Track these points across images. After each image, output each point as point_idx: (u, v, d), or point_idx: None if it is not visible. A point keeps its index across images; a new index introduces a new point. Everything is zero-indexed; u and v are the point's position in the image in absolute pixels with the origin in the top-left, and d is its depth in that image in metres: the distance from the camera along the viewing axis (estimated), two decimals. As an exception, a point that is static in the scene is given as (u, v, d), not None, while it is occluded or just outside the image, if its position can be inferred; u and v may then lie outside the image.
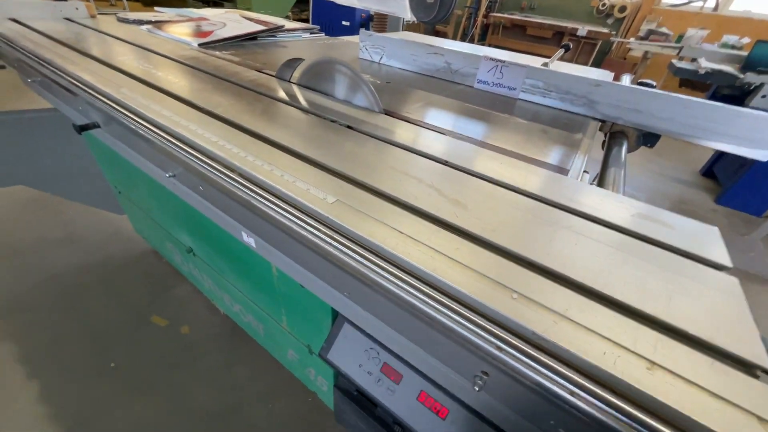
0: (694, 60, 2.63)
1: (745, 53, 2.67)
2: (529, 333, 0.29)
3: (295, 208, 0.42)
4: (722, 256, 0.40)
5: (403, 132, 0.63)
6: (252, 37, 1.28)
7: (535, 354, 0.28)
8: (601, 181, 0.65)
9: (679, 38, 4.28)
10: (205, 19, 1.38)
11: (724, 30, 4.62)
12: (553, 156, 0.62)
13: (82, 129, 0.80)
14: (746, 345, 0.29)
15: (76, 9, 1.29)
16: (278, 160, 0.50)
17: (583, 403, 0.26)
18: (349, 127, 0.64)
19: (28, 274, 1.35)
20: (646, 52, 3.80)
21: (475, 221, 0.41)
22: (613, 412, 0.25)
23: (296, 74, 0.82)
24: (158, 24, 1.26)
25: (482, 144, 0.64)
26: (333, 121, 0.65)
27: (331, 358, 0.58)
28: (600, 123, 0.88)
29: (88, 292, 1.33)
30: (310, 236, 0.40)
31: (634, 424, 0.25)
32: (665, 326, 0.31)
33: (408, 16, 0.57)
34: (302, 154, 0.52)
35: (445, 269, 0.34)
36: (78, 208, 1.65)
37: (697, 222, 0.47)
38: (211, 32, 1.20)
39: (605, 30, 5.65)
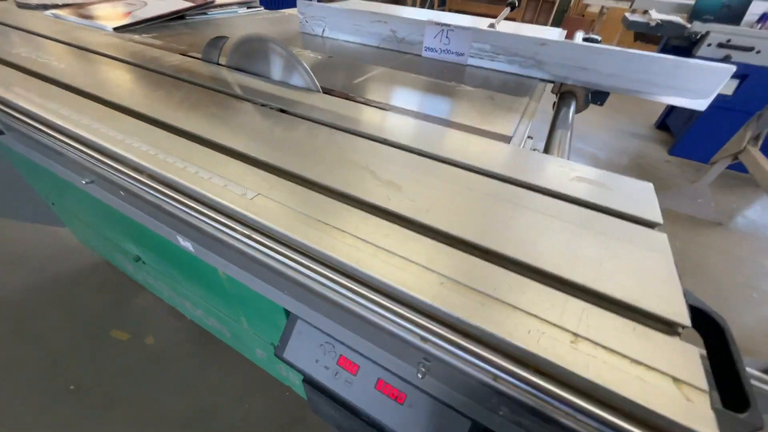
0: (645, 12, 2.65)
1: (693, 1, 2.72)
2: (454, 319, 0.28)
3: (212, 209, 0.38)
4: (654, 214, 0.40)
5: (340, 111, 0.59)
6: (179, 16, 1.15)
7: (461, 341, 0.27)
8: (547, 145, 0.64)
9: (633, -10, 4.28)
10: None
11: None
12: (496, 124, 0.60)
13: None
14: (669, 304, 0.29)
15: (-37, -5, 1.11)
16: (195, 154, 0.45)
17: (507, 387, 0.26)
18: (281, 110, 0.59)
19: (-34, 302, 1.23)
20: (603, 7, 3.80)
21: (409, 203, 0.39)
22: (537, 392, 0.24)
23: (223, 56, 0.74)
24: (66, 8, 1.11)
25: (425, 117, 0.61)
26: (263, 105, 0.60)
27: (287, 357, 0.56)
28: (551, 84, 0.87)
29: (39, 314, 1.24)
30: (231, 239, 0.37)
31: (559, 404, 0.24)
32: (594, 294, 0.30)
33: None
34: (223, 145, 0.47)
35: (369, 260, 0.32)
36: (17, 225, 1.51)
37: (633, 180, 0.47)
38: (129, 13, 1.07)
39: (562, -13, 5.59)
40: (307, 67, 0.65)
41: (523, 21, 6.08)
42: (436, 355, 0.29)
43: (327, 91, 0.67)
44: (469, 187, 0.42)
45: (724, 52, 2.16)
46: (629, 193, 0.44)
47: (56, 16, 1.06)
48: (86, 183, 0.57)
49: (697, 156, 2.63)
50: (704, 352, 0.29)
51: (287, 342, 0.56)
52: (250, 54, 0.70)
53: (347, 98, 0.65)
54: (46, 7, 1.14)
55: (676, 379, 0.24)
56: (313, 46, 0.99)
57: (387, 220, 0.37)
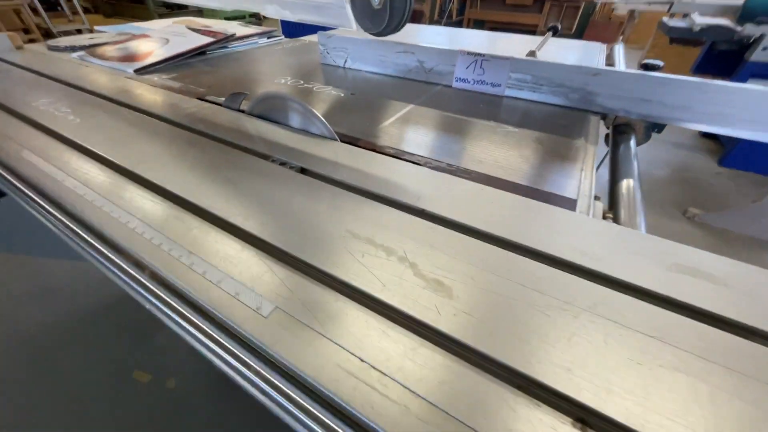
0: (686, 16, 2.46)
1: (738, 1, 2.50)
2: None
3: (220, 328, 0.31)
4: (801, 331, 0.30)
5: (367, 169, 0.51)
6: (200, 52, 1.13)
7: None
8: (612, 203, 0.54)
9: (667, -9, 4.05)
10: (146, 36, 1.22)
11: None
12: (553, 181, 0.51)
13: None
14: None
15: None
16: (204, 242, 0.39)
17: None
18: (302, 170, 0.52)
19: (-4, 338, 1.24)
20: (633, 11, 3.60)
21: (465, 318, 0.30)
22: None
23: (244, 106, 0.69)
24: (92, 49, 1.12)
25: (465, 173, 0.53)
26: (283, 164, 0.53)
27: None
28: (601, 116, 0.76)
29: (63, 350, 1.23)
30: (243, 379, 0.30)
31: None
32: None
33: (353, 26, 0.44)
34: (238, 226, 0.41)
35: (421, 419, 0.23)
36: (45, 262, 1.54)
37: (750, 266, 0.36)
38: (151, 52, 1.06)
39: (587, -9, 5.40)
40: (325, 121, 0.58)
41: (545, 26, 5.91)
42: None
43: (352, 141, 0.60)
44: (540, 290, 0.33)
45: (782, 55, 1.95)
46: (746, 283, 0.33)
47: (81, 59, 1.06)
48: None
49: (753, 167, 2.39)
50: None
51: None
52: (270, 107, 0.65)
53: (375, 150, 0.58)
54: (74, 48, 1.16)
55: None
56: (335, 80, 0.93)
57: (440, 346, 0.28)
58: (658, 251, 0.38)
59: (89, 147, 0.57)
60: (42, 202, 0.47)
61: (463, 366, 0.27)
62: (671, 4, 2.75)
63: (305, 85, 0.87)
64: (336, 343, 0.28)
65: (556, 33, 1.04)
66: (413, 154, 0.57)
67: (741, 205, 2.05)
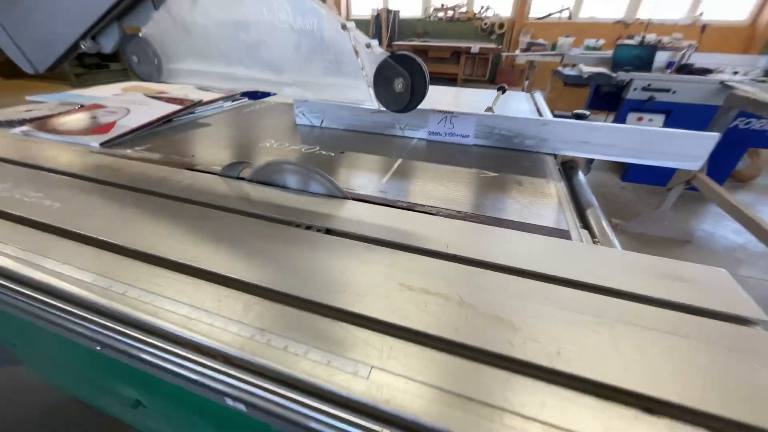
0: (574, 66, 3.09)
1: (605, 52, 3.23)
2: None
3: (315, 397, 0.32)
4: (751, 308, 0.40)
5: (387, 223, 0.56)
6: (167, 119, 1.11)
7: None
8: (586, 227, 0.66)
9: (554, 46, 5.03)
10: (100, 106, 1.17)
11: (582, 34, 5.57)
12: (544, 215, 0.61)
13: None
14: None
15: None
16: (269, 317, 0.39)
17: None
18: (328, 231, 0.55)
19: None
20: (532, 61, 4.38)
21: (535, 346, 0.35)
22: None
23: (244, 174, 0.71)
24: (39, 122, 1.03)
25: (474, 218, 0.60)
26: (308, 227, 0.56)
27: None
28: (553, 155, 0.93)
29: None
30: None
31: None
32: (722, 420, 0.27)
33: (375, 105, 0.51)
34: (297, 296, 0.42)
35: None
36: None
37: (696, 266, 0.48)
38: (113, 123, 1.01)
39: (493, 45, 6.42)
40: (334, 182, 0.63)
41: (464, 75, 6.82)
42: None
43: (362, 199, 0.65)
44: (574, 309, 0.40)
45: (647, 94, 2.53)
46: (712, 285, 0.44)
47: (27, 134, 0.97)
48: (98, 350, 0.48)
49: (647, 180, 2.94)
50: None
51: None
52: (276, 173, 0.67)
53: (389, 205, 0.63)
54: (11, 124, 1.06)
55: None
56: (318, 140, 0.99)
57: (529, 376, 0.33)
58: (645, 264, 0.48)
59: (87, 234, 0.53)
60: (59, 304, 0.42)
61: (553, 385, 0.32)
62: (562, 57, 3.43)
63: (293, 147, 0.91)
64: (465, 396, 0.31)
65: (504, 92, 1.25)
66: (423, 205, 0.63)
67: (644, 211, 2.49)
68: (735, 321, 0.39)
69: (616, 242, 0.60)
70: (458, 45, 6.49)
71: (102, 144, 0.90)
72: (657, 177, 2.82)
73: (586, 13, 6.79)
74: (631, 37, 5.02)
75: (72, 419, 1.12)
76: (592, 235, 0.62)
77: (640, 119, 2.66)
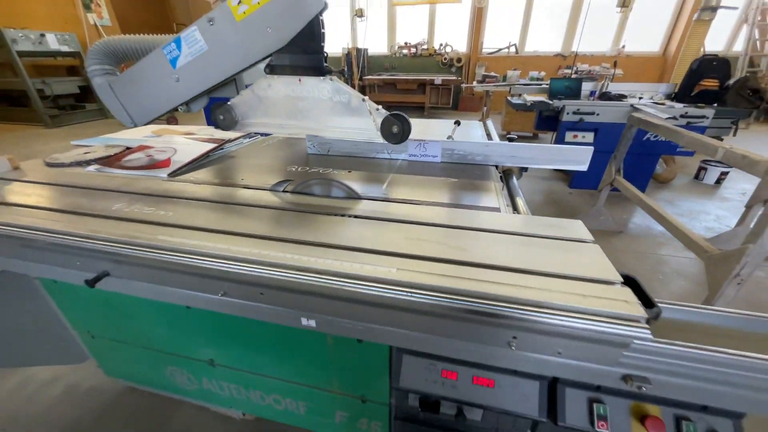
0: (520, 95, 3.70)
1: (546, 83, 3.87)
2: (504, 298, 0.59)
3: (366, 281, 0.65)
4: (586, 235, 0.79)
5: (386, 210, 0.92)
6: (206, 155, 1.43)
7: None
8: (515, 207, 1.04)
9: (504, 77, 5.76)
10: (148, 146, 1.47)
11: (528, 66, 6.40)
12: (487, 201, 0.99)
13: (95, 281, 0.85)
14: (609, 274, 0.65)
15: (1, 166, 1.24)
16: (340, 255, 0.72)
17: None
18: (354, 216, 0.90)
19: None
20: (487, 91, 5.05)
21: (462, 252, 0.71)
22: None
23: (289, 188, 1.04)
24: (105, 161, 1.31)
25: (443, 204, 0.97)
26: (342, 215, 0.90)
27: (403, 385, 0.78)
28: (495, 166, 1.33)
29: None
30: (375, 298, 0.64)
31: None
32: (569, 276, 0.64)
33: (381, 140, 0.88)
34: (352, 246, 0.75)
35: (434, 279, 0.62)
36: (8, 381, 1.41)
37: (566, 220, 0.87)
38: (169, 160, 1.32)
39: (454, 77, 7.17)
40: (355, 190, 0.98)
41: (429, 103, 7.50)
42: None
43: (372, 199, 1.01)
44: (494, 240, 0.77)
45: (578, 117, 3.12)
46: (571, 228, 0.83)
47: (100, 171, 1.25)
48: (220, 296, 0.78)
49: (588, 186, 3.51)
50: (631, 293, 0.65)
51: (399, 373, 0.79)
52: (312, 186, 1.01)
53: (382, 200, 0.99)
54: (80, 164, 1.33)
55: (625, 301, 0.58)
56: (328, 164, 1.34)
57: (471, 266, 0.68)
58: (538, 222, 0.86)
59: (204, 226, 0.84)
60: (203, 258, 0.73)
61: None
62: (510, 88, 4.05)
63: (313, 170, 1.26)
64: (407, 269, 0.66)
65: (459, 125, 1.68)
66: (411, 200, 1.00)
67: (586, 211, 3.01)
68: (575, 241, 0.78)
69: (528, 213, 0.99)
70: (423, 78, 7.21)
71: (169, 174, 1.20)
72: (595, 183, 3.39)
73: (530, 47, 7.80)
74: (569, 67, 5.89)
75: (135, 406, 1.33)
76: (516, 210, 1.01)
77: (575, 137, 3.25)
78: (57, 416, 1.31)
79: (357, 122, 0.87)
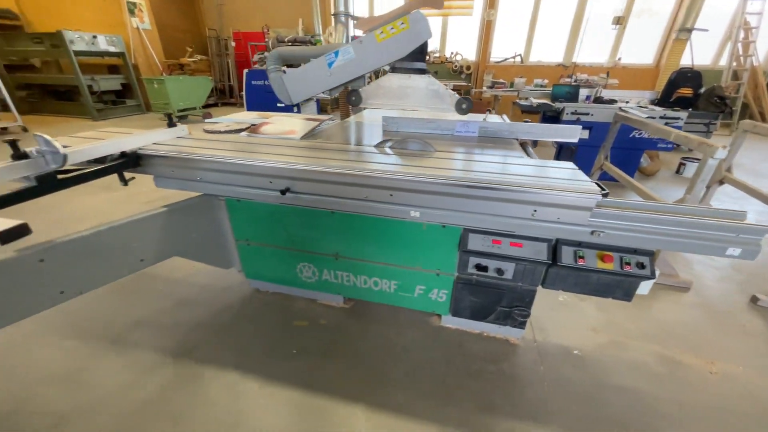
0: (527, 98, 4.33)
1: (548, 89, 4.51)
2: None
3: (450, 181, 1.26)
4: (575, 167, 1.40)
5: (449, 156, 1.53)
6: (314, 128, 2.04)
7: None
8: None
9: (512, 84, 6.40)
10: (268, 122, 2.08)
11: (532, 74, 7.06)
12: (514, 155, 1.60)
13: (285, 191, 1.46)
14: (587, 186, 1.26)
15: (182, 130, 1.85)
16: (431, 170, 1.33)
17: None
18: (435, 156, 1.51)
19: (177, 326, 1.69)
20: (496, 95, 5.69)
21: (488, 175, 1.32)
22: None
23: (386, 145, 1.65)
24: (251, 130, 1.92)
25: (492, 158, 1.58)
26: (428, 157, 1.51)
27: (470, 248, 1.38)
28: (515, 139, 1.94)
29: (236, 327, 1.75)
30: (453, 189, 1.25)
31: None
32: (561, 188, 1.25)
33: (453, 112, 1.49)
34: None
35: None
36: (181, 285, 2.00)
37: (564, 162, 1.47)
38: (293, 130, 1.93)
39: (464, 83, 7.83)
40: (433, 147, 1.59)
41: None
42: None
43: (440, 151, 1.61)
44: (515, 173, 1.37)
45: (576, 116, 3.75)
46: (567, 165, 1.44)
47: (251, 135, 1.86)
48: (366, 198, 1.39)
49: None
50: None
51: (467, 242, 1.39)
52: (406, 143, 1.62)
53: (448, 153, 1.60)
54: (231, 131, 1.94)
55: (592, 188, 1.19)
56: (401, 137, 1.95)
57: (505, 175, 1.29)
58: (545, 164, 1.47)
59: (354, 159, 1.45)
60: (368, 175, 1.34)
61: (518, 177, 1.29)
62: (518, 92, 4.68)
63: (394, 140, 1.87)
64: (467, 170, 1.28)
65: (490, 112, 2.30)
66: (467, 155, 1.61)
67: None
68: (571, 169, 1.39)
69: (536, 159, 1.60)
70: (436, 82, 7.86)
71: (301, 138, 1.81)
72: (588, 171, 4.01)
73: (534, 57, 8.49)
74: (569, 76, 6.55)
75: (266, 300, 1.92)
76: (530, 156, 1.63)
77: (573, 133, 3.87)
78: (209, 301, 1.91)
79: (440, 102, 1.49)
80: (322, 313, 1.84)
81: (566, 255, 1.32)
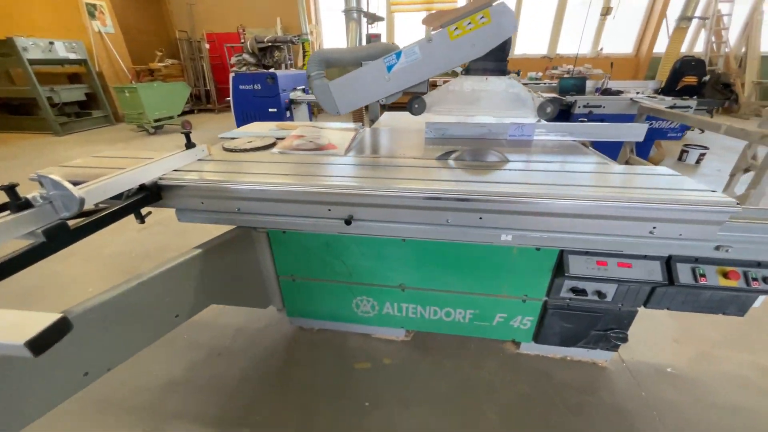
0: (537, 93, 4.24)
1: (552, 82, 4.45)
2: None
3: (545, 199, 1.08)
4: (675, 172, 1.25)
5: (527, 167, 1.35)
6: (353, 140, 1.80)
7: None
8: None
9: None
10: (302, 136, 1.82)
11: (517, 67, 7.02)
12: (597, 159, 1.44)
13: (348, 222, 1.22)
14: (706, 187, 1.11)
15: (202, 151, 1.57)
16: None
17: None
18: (509, 169, 1.32)
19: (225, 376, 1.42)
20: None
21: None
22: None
23: (451, 158, 1.44)
24: (281, 145, 1.66)
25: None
26: (498, 169, 1.32)
27: (572, 272, 1.21)
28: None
29: (292, 371, 1.50)
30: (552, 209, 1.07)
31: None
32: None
33: (536, 119, 1.31)
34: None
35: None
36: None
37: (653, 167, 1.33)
38: (330, 144, 1.69)
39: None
40: (505, 156, 1.41)
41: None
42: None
43: (510, 161, 1.43)
44: (590, 181, 1.21)
45: (588, 109, 3.69)
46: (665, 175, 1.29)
47: (283, 153, 1.61)
48: (448, 222, 1.18)
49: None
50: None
51: (568, 266, 1.21)
52: (475, 155, 1.43)
53: (530, 163, 1.42)
54: (257, 149, 1.67)
55: (721, 198, 1.04)
56: (449, 143, 1.75)
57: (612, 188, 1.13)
58: (623, 168, 1.32)
59: (422, 177, 1.24)
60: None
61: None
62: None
63: (447, 147, 1.67)
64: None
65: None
66: (529, 160, 1.44)
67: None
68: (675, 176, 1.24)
69: (618, 163, 1.45)
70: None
71: (345, 153, 1.58)
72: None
73: (519, 51, 8.50)
74: (555, 68, 6.56)
75: (314, 340, 1.68)
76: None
77: (584, 127, 3.82)
78: (248, 347, 1.64)
79: (521, 107, 1.30)
80: (383, 350, 1.62)
81: (683, 274, 1.17)
